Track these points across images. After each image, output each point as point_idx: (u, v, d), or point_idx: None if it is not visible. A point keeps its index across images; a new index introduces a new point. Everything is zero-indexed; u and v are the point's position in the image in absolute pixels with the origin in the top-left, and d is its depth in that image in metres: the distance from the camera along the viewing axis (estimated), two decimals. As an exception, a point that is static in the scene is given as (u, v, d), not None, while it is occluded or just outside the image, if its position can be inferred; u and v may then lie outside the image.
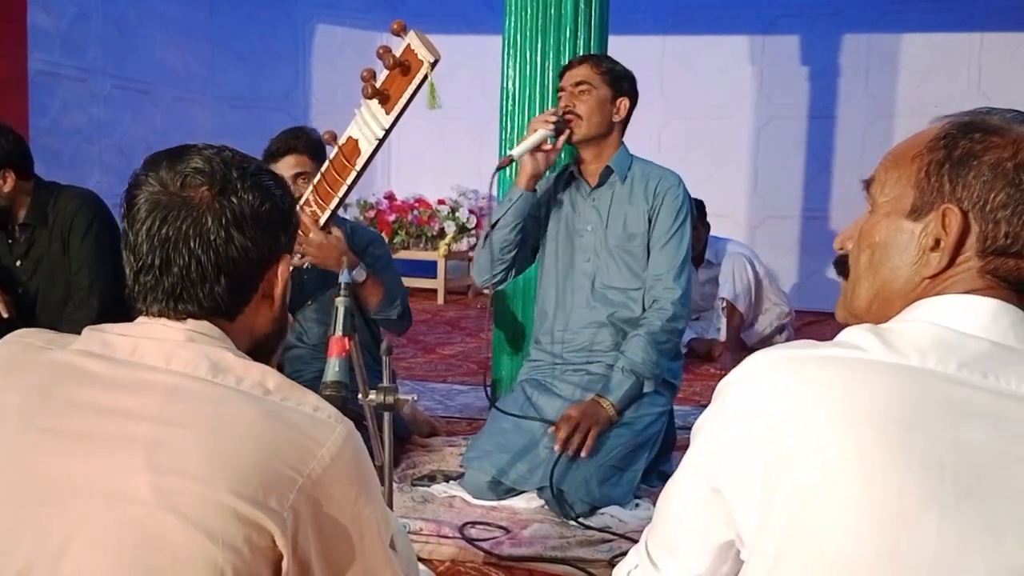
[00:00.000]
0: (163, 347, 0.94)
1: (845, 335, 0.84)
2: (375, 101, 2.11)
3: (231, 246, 0.96)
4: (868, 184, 0.94)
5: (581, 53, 3.12)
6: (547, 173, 2.65)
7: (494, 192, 2.60)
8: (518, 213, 2.55)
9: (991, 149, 0.85)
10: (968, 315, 0.83)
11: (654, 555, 0.95)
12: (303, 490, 0.87)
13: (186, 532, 0.83)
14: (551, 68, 3.15)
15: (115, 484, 0.84)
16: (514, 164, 2.64)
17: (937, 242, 0.86)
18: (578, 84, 2.54)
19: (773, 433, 0.79)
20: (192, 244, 0.95)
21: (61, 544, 0.84)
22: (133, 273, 0.98)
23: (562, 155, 2.65)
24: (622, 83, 2.58)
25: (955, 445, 0.74)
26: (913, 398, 0.77)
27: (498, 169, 2.53)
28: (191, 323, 0.97)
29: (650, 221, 2.56)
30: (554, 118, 2.49)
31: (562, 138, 2.52)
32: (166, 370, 0.92)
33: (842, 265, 0.98)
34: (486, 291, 2.69)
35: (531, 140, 2.47)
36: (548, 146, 2.51)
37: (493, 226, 2.56)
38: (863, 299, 0.94)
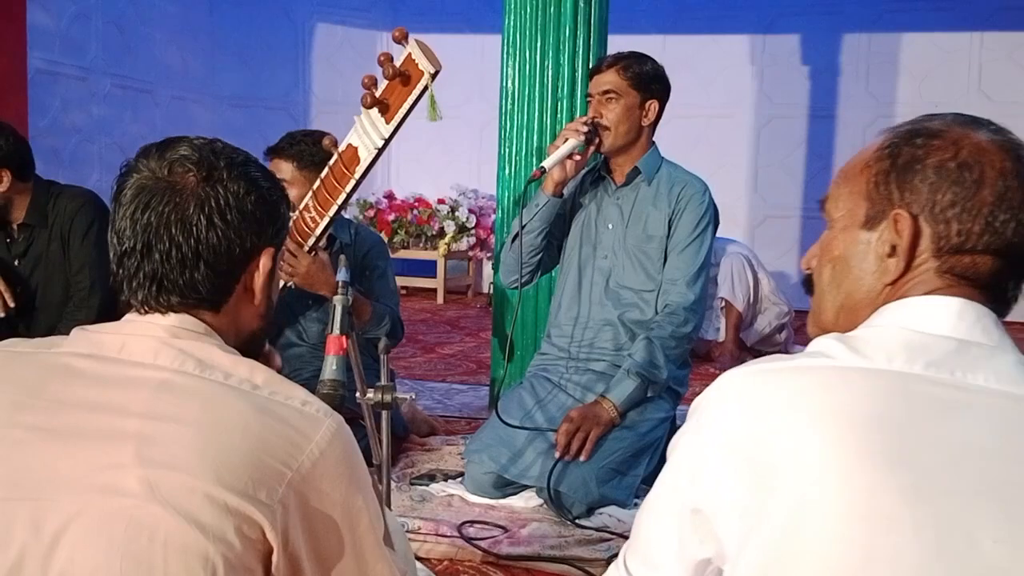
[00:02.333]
0: (150, 344, 0.94)
1: (813, 345, 0.86)
2: (375, 110, 2.10)
3: (211, 234, 0.96)
4: (823, 203, 0.96)
5: (581, 52, 3.12)
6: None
7: (525, 202, 2.54)
8: (545, 219, 2.53)
9: (933, 152, 0.87)
10: (932, 315, 0.84)
11: (633, 571, 0.95)
12: (292, 484, 0.87)
13: (177, 524, 0.83)
14: (551, 67, 3.15)
15: (105, 478, 0.85)
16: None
17: (893, 248, 0.88)
18: (605, 92, 2.50)
19: (749, 448, 0.80)
20: (173, 230, 0.95)
21: (52, 539, 0.84)
22: (117, 258, 0.98)
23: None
24: (650, 85, 2.54)
25: (927, 443, 0.75)
26: (882, 399, 0.78)
27: (530, 182, 2.50)
28: (175, 318, 0.97)
29: (670, 225, 2.54)
30: (585, 128, 2.44)
31: (591, 148, 2.49)
32: (154, 366, 0.92)
33: (809, 283, 1.01)
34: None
35: (562, 150, 2.42)
36: (578, 156, 2.47)
37: (520, 230, 2.54)
38: (829, 312, 0.95)
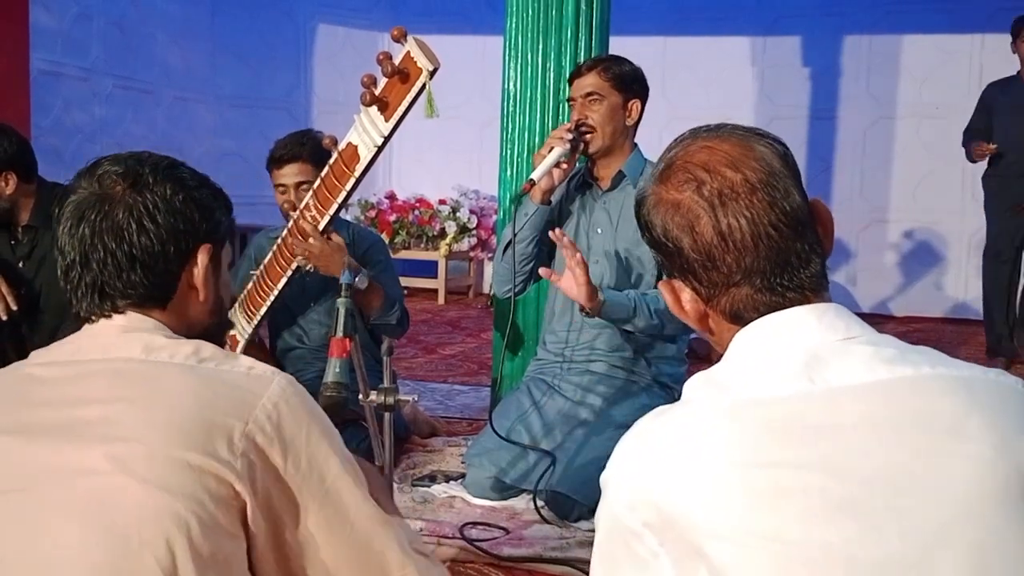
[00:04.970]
0: (101, 341, 1.01)
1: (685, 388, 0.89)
2: (374, 108, 2.10)
3: (143, 237, 1.01)
4: None
5: (582, 54, 3.12)
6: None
7: (516, 215, 2.54)
8: (535, 227, 2.54)
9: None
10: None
11: None
12: (248, 436, 0.92)
13: (144, 491, 0.87)
14: (552, 69, 3.16)
15: (75, 462, 0.90)
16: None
17: None
18: (588, 95, 2.52)
19: (658, 520, 0.83)
20: (106, 238, 1.01)
21: (33, 525, 0.88)
22: (62, 273, 1.04)
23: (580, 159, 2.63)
24: (632, 85, 2.56)
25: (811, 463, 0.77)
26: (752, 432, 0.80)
27: (521, 195, 2.51)
28: (124, 318, 1.03)
29: None
30: (569, 135, 2.45)
31: (576, 153, 2.49)
32: (104, 359, 0.98)
33: None
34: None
35: (549, 160, 2.43)
36: (565, 163, 2.47)
37: (513, 239, 2.55)
38: None
